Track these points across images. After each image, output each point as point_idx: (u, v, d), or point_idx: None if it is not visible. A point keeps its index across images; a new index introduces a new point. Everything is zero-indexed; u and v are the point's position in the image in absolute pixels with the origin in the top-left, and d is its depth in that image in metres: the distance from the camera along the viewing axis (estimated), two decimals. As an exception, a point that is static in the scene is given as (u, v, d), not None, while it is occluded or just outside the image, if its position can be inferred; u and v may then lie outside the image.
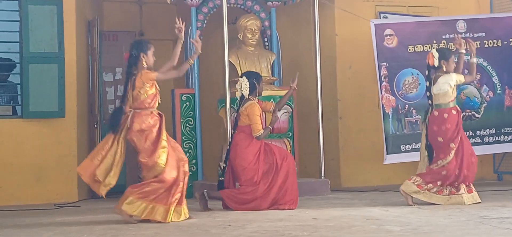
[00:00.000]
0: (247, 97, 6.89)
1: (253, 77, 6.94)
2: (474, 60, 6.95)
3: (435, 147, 6.74)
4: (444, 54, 6.80)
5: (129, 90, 5.99)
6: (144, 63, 6.01)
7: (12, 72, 8.50)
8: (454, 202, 6.59)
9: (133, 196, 5.85)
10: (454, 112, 6.73)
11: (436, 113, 6.75)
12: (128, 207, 5.84)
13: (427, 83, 6.84)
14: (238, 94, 6.99)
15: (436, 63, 6.75)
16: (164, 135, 5.94)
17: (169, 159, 5.91)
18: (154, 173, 5.89)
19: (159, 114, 6.04)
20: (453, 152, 6.64)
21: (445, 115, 6.69)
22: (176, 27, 6.23)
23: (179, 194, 5.93)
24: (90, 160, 5.93)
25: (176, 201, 5.90)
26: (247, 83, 6.88)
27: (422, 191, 6.67)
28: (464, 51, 6.95)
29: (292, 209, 6.60)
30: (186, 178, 6.02)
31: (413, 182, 6.70)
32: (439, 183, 6.67)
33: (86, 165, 5.95)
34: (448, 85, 6.69)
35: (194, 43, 6.45)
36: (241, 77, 7.00)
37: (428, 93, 6.83)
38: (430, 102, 6.81)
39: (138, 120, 5.90)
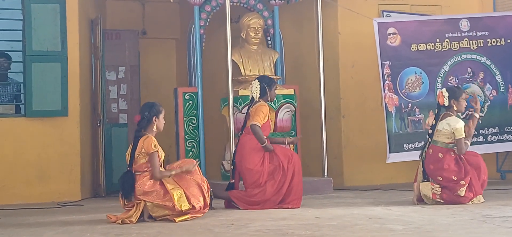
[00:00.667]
0: (257, 100, 6.89)
1: (265, 82, 6.94)
2: (477, 115, 6.86)
3: (442, 184, 6.63)
4: (454, 94, 6.70)
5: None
6: (154, 127, 6.04)
7: (14, 70, 8.50)
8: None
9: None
10: (452, 154, 6.63)
11: (431, 150, 6.66)
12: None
13: (434, 121, 6.75)
14: (249, 96, 7.01)
15: (446, 103, 6.66)
16: (170, 185, 5.91)
17: (188, 193, 5.93)
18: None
19: None
20: (465, 187, 6.56)
21: (440, 155, 6.60)
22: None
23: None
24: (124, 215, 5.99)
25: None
26: (258, 86, 6.88)
27: (433, 199, 6.65)
28: (478, 115, 6.86)
29: (295, 208, 6.60)
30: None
31: (431, 189, 6.62)
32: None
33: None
34: (452, 131, 6.59)
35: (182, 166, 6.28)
36: (255, 80, 7.00)
37: (430, 131, 6.74)
38: (429, 137, 6.73)
39: (140, 184, 5.92)
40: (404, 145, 8.41)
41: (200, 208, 5.96)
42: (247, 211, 6.51)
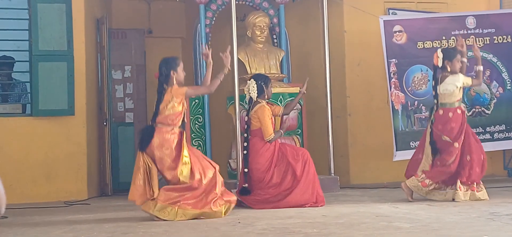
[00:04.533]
0: (255, 100, 6.88)
1: (261, 80, 6.91)
2: (480, 67, 6.95)
3: (439, 146, 6.76)
4: (448, 54, 6.83)
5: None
6: (174, 80, 6.06)
7: (20, 70, 8.52)
8: (449, 197, 6.68)
9: (162, 203, 5.87)
10: (459, 111, 6.77)
11: (441, 111, 6.79)
12: (160, 214, 5.87)
13: (433, 82, 6.88)
14: (247, 97, 6.99)
15: (440, 63, 6.80)
16: (185, 151, 5.93)
17: (194, 170, 5.93)
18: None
19: (180, 131, 6.04)
20: (457, 151, 6.66)
21: (450, 114, 6.74)
22: (203, 54, 6.32)
23: (214, 196, 5.95)
24: (133, 185, 5.97)
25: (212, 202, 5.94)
26: (255, 85, 6.86)
27: (425, 189, 6.75)
28: (464, 50, 6.93)
29: (321, 206, 6.56)
30: (215, 181, 6.02)
31: (418, 180, 6.76)
32: (440, 180, 6.73)
33: (133, 191, 5.97)
34: (454, 86, 6.73)
35: (223, 58, 6.39)
36: (250, 79, 6.98)
37: (433, 92, 6.88)
38: (435, 100, 6.85)
39: (158, 136, 5.93)
40: (411, 143, 8.40)
41: (203, 188, 5.88)
42: (254, 209, 6.50)
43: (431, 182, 6.75)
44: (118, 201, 7.73)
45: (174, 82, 6.05)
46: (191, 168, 5.93)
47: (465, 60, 6.96)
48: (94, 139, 8.72)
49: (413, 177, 6.81)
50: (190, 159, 5.95)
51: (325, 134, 8.35)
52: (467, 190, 6.66)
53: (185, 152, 5.94)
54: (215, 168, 6.08)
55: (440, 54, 6.81)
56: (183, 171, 5.90)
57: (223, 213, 5.98)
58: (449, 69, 6.78)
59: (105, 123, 8.84)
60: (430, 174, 6.75)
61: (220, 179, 6.05)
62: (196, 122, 8.29)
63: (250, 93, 6.89)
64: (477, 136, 7.23)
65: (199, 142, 8.27)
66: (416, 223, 5.27)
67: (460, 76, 6.78)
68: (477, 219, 5.40)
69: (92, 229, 5.57)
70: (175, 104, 5.98)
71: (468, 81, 6.84)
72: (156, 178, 5.94)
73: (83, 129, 8.20)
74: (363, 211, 6.10)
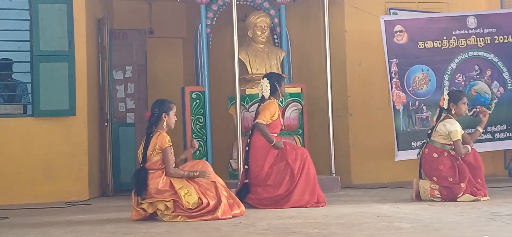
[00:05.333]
0: (267, 98, 6.87)
1: (274, 79, 6.90)
2: (481, 130, 6.93)
3: (439, 185, 6.73)
4: (454, 97, 6.84)
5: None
6: (164, 123, 6.04)
7: (21, 71, 8.53)
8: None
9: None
10: (446, 155, 6.73)
11: (427, 150, 6.82)
12: (162, 215, 5.90)
13: (435, 122, 6.90)
14: (260, 95, 6.97)
15: (445, 105, 6.83)
16: (176, 184, 5.91)
17: (197, 189, 5.93)
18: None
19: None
20: (463, 191, 6.63)
21: (435, 155, 6.73)
22: (190, 144, 6.47)
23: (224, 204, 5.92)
24: (134, 209, 6.06)
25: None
26: (268, 84, 6.85)
27: (430, 196, 6.73)
28: (481, 130, 6.93)
29: (322, 206, 6.56)
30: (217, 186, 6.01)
31: (430, 186, 6.73)
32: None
33: (133, 213, 6.05)
34: (448, 133, 6.71)
35: (188, 146, 6.54)
36: (263, 78, 6.96)
37: (429, 131, 6.93)
38: (427, 137, 6.89)
39: (152, 183, 5.92)
40: (412, 143, 8.39)
41: (212, 206, 5.85)
42: (255, 209, 6.50)
43: (440, 195, 6.72)
44: (119, 201, 7.73)
45: (164, 125, 6.05)
46: (197, 195, 5.90)
47: (480, 129, 6.92)
48: (95, 139, 8.72)
49: (428, 180, 6.77)
50: (193, 188, 5.92)
51: (326, 134, 8.35)
52: (473, 194, 6.64)
53: (178, 185, 5.89)
54: (215, 184, 6.02)
55: (446, 96, 6.84)
56: (190, 201, 5.87)
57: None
58: (453, 111, 6.80)
59: (106, 124, 8.84)
60: (442, 191, 6.71)
61: (223, 195, 5.97)
62: (197, 122, 8.29)
63: (263, 92, 6.87)
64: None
65: (200, 142, 8.27)
66: (417, 223, 5.27)
67: (458, 127, 6.71)
68: (478, 219, 5.40)
69: (93, 229, 5.57)
70: (156, 152, 5.97)
71: (458, 136, 6.68)
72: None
73: (84, 129, 8.20)
74: (364, 211, 6.10)
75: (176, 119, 6.19)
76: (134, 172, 6.17)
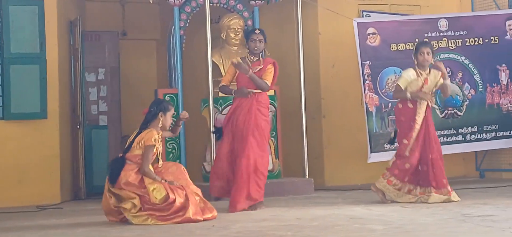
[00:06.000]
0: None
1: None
2: (447, 81, 6.91)
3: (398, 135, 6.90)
4: (417, 46, 6.98)
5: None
6: (160, 123, 6.06)
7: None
8: (422, 200, 6.70)
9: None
10: (410, 105, 6.79)
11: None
12: (134, 219, 5.85)
13: None
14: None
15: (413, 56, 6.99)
16: (146, 180, 5.90)
17: (167, 186, 5.89)
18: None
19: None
20: (407, 148, 6.71)
21: (400, 106, 6.89)
22: (181, 116, 6.49)
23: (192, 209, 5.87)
24: (104, 197, 6.04)
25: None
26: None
27: (392, 188, 6.77)
28: (444, 81, 6.90)
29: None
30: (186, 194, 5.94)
31: (384, 177, 6.82)
32: (406, 179, 6.76)
33: (104, 202, 6.06)
34: (401, 78, 6.88)
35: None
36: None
37: None
38: None
39: (125, 174, 5.90)
40: (385, 145, 8.45)
41: (180, 205, 5.81)
42: (228, 213, 6.46)
43: (397, 181, 6.77)
44: (91, 205, 7.67)
45: (159, 124, 6.06)
46: (165, 191, 5.87)
47: (443, 81, 6.82)
48: (67, 142, 8.65)
49: (381, 177, 6.84)
50: (162, 186, 5.89)
51: (300, 136, 8.37)
52: (444, 194, 6.69)
53: (147, 181, 5.87)
54: (185, 191, 5.97)
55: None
56: (157, 196, 5.85)
57: None
58: (415, 63, 6.89)
59: (78, 126, 8.76)
60: (393, 170, 6.78)
61: (193, 201, 5.93)
62: (170, 125, 8.24)
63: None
64: (450, 137, 7.30)
65: (173, 145, 8.24)
66: (390, 225, 5.31)
67: (411, 71, 6.81)
68: (449, 220, 5.45)
69: (65, 233, 5.53)
70: (140, 146, 5.95)
71: (400, 82, 6.82)
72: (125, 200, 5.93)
73: (56, 132, 8.12)
74: (338, 214, 6.13)
75: (172, 121, 6.22)
76: (113, 159, 6.22)
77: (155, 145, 5.96)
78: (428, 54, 6.79)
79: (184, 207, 5.84)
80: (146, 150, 5.93)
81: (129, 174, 5.90)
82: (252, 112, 6.62)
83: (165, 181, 5.95)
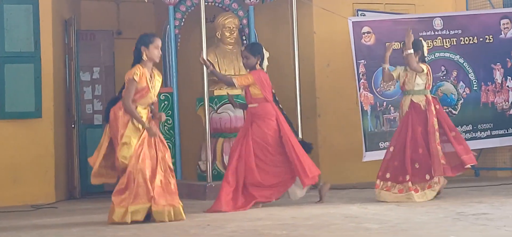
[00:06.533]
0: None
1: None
2: (409, 51, 6.91)
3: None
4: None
5: None
6: (145, 56, 5.97)
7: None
8: (403, 200, 6.72)
9: (113, 205, 5.82)
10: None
11: None
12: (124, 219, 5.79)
13: None
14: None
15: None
16: (128, 130, 5.83)
17: (135, 156, 5.80)
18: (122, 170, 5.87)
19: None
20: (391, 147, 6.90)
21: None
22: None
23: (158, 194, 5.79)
24: (96, 151, 6.04)
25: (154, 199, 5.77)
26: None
27: (377, 190, 6.88)
28: (407, 52, 6.95)
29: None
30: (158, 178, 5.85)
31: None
32: (387, 175, 6.82)
33: (94, 156, 6.07)
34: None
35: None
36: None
37: None
38: None
39: (114, 110, 5.91)
40: (380, 144, 8.46)
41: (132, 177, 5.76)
42: (223, 212, 6.45)
43: (383, 183, 6.87)
44: (86, 204, 7.66)
45: (144, 58, 5.96)
46: (134, 153, 5.78)
47: (407, 51, 6.93)
48: (62, 141, 8.63)
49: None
50: (136, 146, 5.80)
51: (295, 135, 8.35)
52: (422, 190, 6.72)
53: (127, 131, 5.81)
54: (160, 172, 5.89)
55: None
56: (122, 151, 5.79)
57: (166, 215, 5.78)
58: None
59: (73, 125, 8.75)
60: (379, 171, 6.93)
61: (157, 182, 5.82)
62: (166, 123, 8.25)
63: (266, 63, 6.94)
64: (436, 96, 7.37)
65: (169, 144, 8.19)
66: (385, 223, 5.31)
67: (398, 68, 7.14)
68: (444, 219, 5.46)
69: (59, 233, 5.51)
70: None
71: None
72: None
73: (50, 131, 8.11)
74: (333, 212, 6.13)
75: (160, 53, 6.07)
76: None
77: (134, 80, 5.86)
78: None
79: (126, 189, 5.78)
80: (127, 84, 5.89)
81: (117, 111, 5.86)
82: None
83: (146, 126, 5.84)
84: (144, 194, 5.76)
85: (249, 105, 6.80)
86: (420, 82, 6.90)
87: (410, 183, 6.70)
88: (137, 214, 5.77)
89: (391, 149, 6.94)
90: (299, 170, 6.62)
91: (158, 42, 6.07)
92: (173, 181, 5.93)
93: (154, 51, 6.01)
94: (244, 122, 7.07)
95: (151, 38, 6.05)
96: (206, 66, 7.04)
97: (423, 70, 6.88)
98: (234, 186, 6.59)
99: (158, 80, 6.06)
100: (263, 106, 6.73)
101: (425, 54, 7.11)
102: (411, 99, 6.92)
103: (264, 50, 6.94)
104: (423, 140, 6.80)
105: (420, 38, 7.38)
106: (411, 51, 6.87)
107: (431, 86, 7.04)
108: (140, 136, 5.87)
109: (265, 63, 6.92)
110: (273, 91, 7.21)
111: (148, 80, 5.96)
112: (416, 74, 6.89)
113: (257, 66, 6.83)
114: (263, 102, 6.74)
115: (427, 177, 6.76)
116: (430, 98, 6.93)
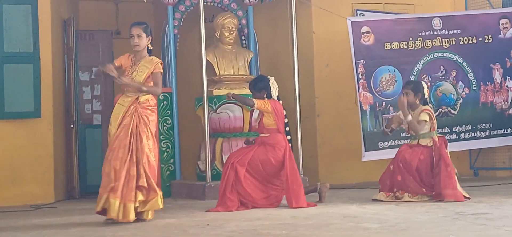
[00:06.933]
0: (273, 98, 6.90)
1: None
2: (408, 118, 6.87)
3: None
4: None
5: None
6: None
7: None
8: (393, 199, 6.78)
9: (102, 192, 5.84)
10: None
11: None
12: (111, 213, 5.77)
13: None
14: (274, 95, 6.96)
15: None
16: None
17: (110, 146, 5.88)
18: None
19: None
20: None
21: None
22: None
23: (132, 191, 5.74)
24: None
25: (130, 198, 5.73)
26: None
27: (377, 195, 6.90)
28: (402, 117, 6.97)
29: None
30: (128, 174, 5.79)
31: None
32: (388, 182, 6.85)
33: None
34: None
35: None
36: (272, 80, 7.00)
37: None
38: None
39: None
40: (379, 144, 8.47)
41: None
42: (222, 212, 6.45)
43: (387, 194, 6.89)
44: (85, 204, 7.65)
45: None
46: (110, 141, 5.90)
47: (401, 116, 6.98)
48: (61, 141, 8.62)
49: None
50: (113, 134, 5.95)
51: (294, 135, 8.35)
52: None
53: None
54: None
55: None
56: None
57: (115, 211, 5.72)
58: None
59: (72, 125, 8.74)
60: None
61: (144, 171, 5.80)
62: (165, 124, 8.25)
63: (276, 91, 6.93)
64: (444, 136, 7.31)
65: (168, 143, 8.24)
66: (384, 223, 5.31)
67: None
68: (443, 218, 5.46)
69: (58, 233, 5.51)
70: None
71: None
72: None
73: (49, 131, 8.10)
74: (332, 212, 6.13)
75: (135, 42, 6.27)
76: None
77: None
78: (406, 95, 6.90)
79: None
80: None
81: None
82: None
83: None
84: (106, 184, 5.78)
85: (261, 134, 6.84)
86: (425, 127, 6.87)
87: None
88: (110, 211, 5.74)
89: (391, 167, 6.91)
90: (290, 194, 6.63)
91: (132, 30, 6.31)
92: (145, 176, 5.78)
93: (131, 40, 6.28)
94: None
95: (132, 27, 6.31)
96: (236, 100, 7.01)
97: (426, 129, 6.85)
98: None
99: (143, 67, 6.28)
100: (274, 136, 6.76)
101: (426, 96, 7.01)
102: (419, 143, 6.89)
103: (271, 82, 6.94)
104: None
105: (422, 81, 7.42)
106: (410, 117, 6.88)
107: (436, 128, 6.95)
108: (120, 123, 5.97)
109: (275, 93, 6.92)
110: (286, 120, 7.26)
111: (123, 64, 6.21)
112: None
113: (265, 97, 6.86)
114: (275, 133, 6.77)
115: (424, 190, 6.76)
116: (436, 139, 6.84)
